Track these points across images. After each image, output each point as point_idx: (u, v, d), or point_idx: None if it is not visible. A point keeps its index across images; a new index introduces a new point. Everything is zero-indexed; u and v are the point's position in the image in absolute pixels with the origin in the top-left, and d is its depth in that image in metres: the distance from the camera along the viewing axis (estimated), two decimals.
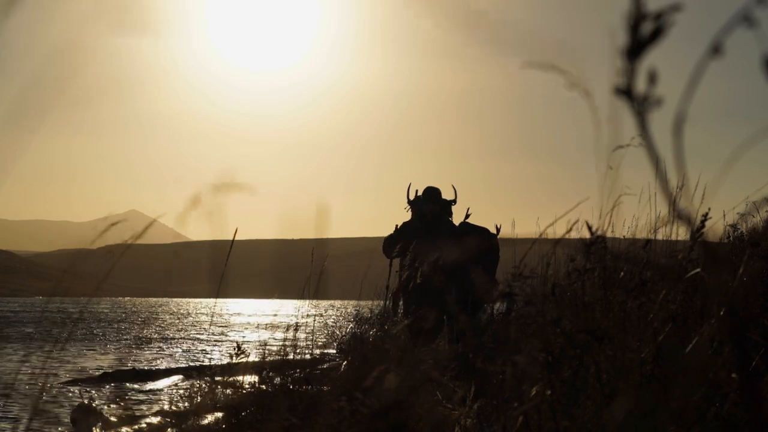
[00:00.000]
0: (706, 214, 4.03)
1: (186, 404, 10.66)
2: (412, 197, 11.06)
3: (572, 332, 3.27)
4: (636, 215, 7.80)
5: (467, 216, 11.69)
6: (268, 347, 10.31)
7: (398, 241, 10.54)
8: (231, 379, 8.07)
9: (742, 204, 8.13)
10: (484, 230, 11.27)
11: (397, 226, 11.08)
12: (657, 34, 1.14)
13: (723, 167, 1.57)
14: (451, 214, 11.07)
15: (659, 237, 7.20)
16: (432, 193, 11.03)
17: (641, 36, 1.14)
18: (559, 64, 1.47)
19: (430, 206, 10.89)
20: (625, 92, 1.15)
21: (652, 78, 1.14)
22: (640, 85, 1.15)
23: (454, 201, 11.17)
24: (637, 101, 1.13)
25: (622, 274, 3.57)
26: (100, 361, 21.99)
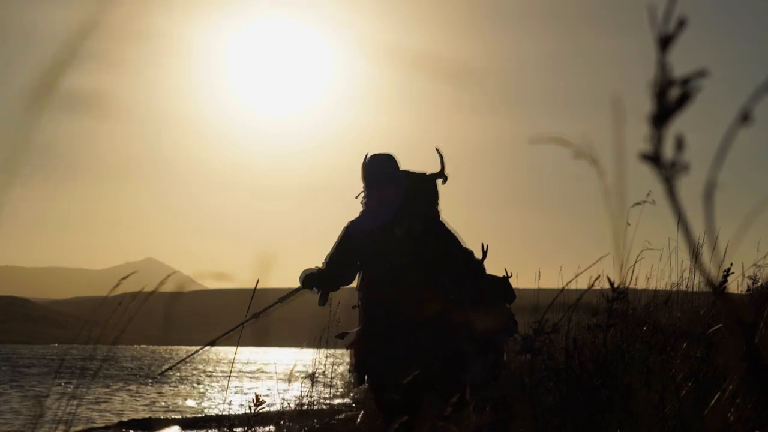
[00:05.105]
0: (728, 269, 4.03)
1: None
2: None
3: (595, 387, 3.26)
4: (655, 266, 7.80)
5: None
6: (285, 397, 10.28)
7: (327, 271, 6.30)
8: (249, 429, 8.04)
9: (763, 256, 8.14)
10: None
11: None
12: (684, 100, 1.15)
13: (743, 224, 1.57)
14: (434, 201, 6.29)
15: (680, 287, 7.21)
16: (379, 164, 6.16)
17: (668, 102, 1.15)
18: (565, 137, 1.48)
19: (381, 191, 6.12)
20: (653, 158, 1.15)
21: (680, 144, 1.14)
22: (668, 151, 1.15)
23: (441, 175, 6.26)
24: (665, 168, 1.14)
25: (645, 328, 3.56)
26: (117, 407, 21.94)
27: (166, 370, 6.50)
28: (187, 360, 6.13)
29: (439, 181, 6.27)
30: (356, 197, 6.23)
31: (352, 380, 6.32)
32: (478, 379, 7.58)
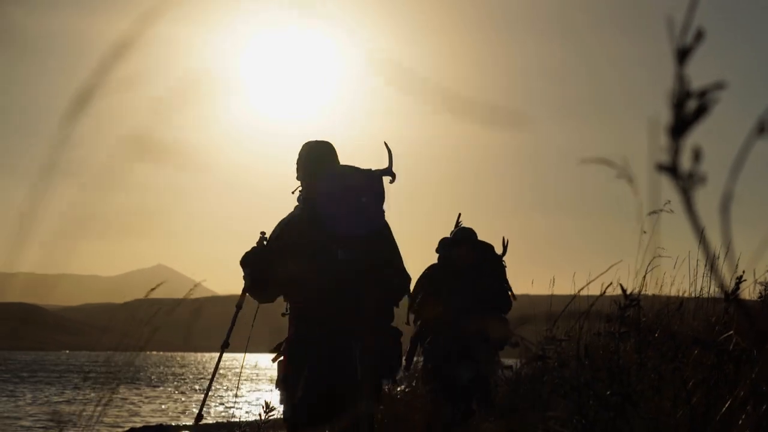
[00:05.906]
0: (740, 276, 4.03)
1: None
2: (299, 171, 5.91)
3: (606, 395, 3.25)
4: (669, 273, 7.78)
5: (458, 224, 8.27)
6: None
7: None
8: None
9: None
10: (489, 246, 7.97)
11: None
12: (701, 112, 1.15)
13: (763, 241, 1.57)
14: (380, 201, 5.75)
15: (692, 294, 7.20)
16: (321, 155, 5.80)
17: (685, 114, 1.15)
18: (610, 159, 1.50)
19: (321, 184, 5.68)
20: (670, 169, 1.16)
21: (697, 155, 1.15)
22: (685, 162, 1.16)
23: (388, 172, 5.76)
24: (682, 179, 1.14)
25: (657, 334, 3.56)
26: (128, 413, 21.94)
27: (210, 385, 5.97)
28: (219, 371, 5.95)
29: (386, 179, 5.71)
30: (292, 192, 5.76)
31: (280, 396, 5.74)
32: (465, 380, 7.64)
